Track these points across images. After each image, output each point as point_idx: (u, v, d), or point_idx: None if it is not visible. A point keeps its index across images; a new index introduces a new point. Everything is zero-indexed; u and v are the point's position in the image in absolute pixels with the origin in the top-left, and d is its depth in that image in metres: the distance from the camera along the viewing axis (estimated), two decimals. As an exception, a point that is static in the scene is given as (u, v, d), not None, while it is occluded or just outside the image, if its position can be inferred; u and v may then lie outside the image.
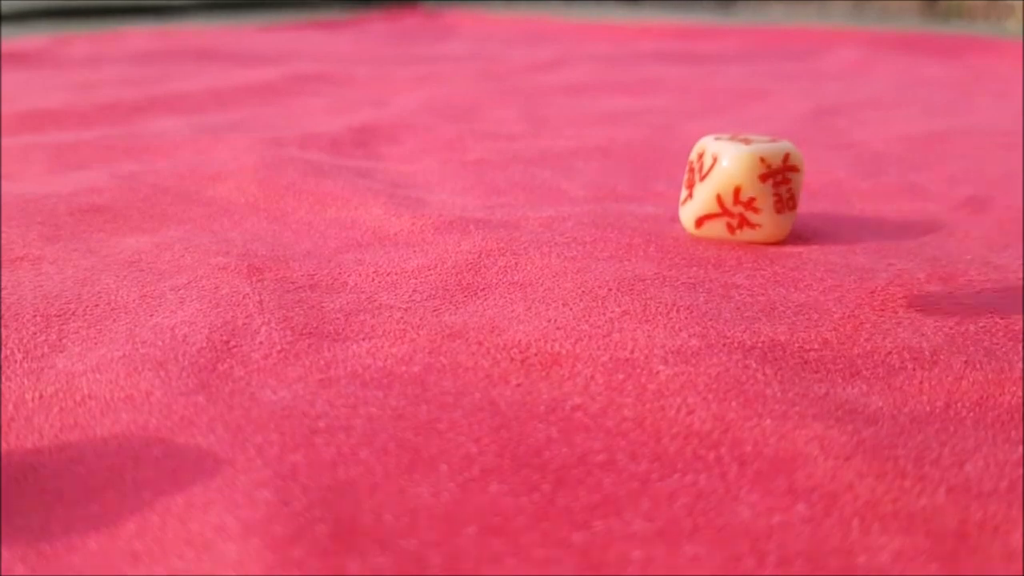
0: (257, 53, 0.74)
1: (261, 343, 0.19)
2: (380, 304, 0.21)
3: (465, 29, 1.01)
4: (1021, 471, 0.14)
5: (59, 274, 0.23)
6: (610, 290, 0.22)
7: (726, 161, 0.25)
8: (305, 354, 0.19)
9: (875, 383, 0.18)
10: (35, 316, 0.21)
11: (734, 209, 0.25)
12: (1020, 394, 0.17)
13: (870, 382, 0.18)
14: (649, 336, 0.19)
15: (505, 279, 0.22)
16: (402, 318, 0.20)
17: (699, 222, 0.26)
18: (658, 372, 0.18)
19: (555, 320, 0.20)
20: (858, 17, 1.27)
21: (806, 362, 0.18)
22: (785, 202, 0.25)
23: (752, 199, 0.25)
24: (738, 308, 0.21)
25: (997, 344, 0.19)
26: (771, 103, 0.53)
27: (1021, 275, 0.23)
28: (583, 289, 0.22)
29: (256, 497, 0.14)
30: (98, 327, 0.20)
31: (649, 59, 0.74)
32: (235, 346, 0.19)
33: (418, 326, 0.20)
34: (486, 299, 0.21)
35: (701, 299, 0.21)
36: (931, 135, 0.44)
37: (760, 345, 0.19)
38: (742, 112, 0.50)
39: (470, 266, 0.23)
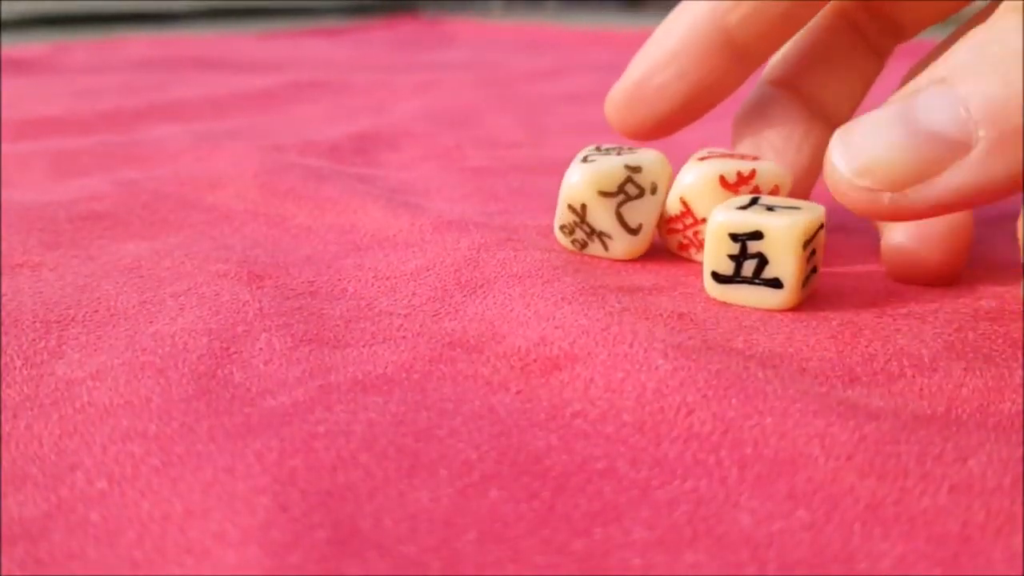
0: (257, 60, 0.74)
1: (261, 349, 0.19)
2: (380, 311, 0.21)
3: (464, 37, 1.02)
4: (1022, 472, 0.14)
5: (59, 280, 0.23)
6: (609, 295, 0.22)
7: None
8: (305, 360, 0.19)
9: (875, 389, 0.18)
10: (35, 322, 0.21)
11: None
12: (1020, 401, 0.17)
13: (870, 388, 0.18)
14: (649, 332, 0.19)
15: (504, 282, 0.22)
16: (402, 324, 0.20)
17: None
18: (658, 367, 0.17)
19: (554, 319, 0.20)
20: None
21: (805, 369, 0.18)
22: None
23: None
24: (736, 317, 0.21)
25: (997, 350, 0.19)
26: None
27: (1021, 281, 0.23)
28: (582, 294, 0.22)
29: (255, 503, 0.14)
30: (98, 333, 0.20)
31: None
32: (235, 352, 0.19)
33: (418, 333, 0.20)
34: (485, 299, 0.21)
35: (699, 308, 0.21)
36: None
37: (759, 353, 0.19)
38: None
39: (468, 263, 0.23)
